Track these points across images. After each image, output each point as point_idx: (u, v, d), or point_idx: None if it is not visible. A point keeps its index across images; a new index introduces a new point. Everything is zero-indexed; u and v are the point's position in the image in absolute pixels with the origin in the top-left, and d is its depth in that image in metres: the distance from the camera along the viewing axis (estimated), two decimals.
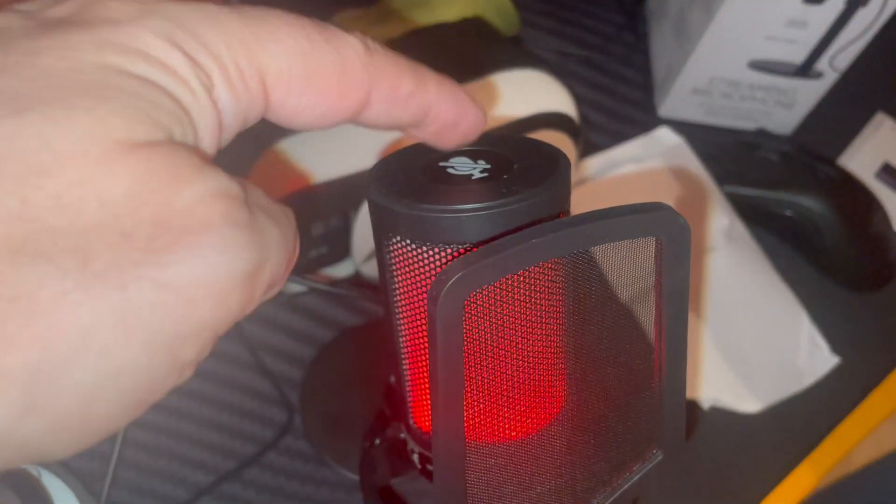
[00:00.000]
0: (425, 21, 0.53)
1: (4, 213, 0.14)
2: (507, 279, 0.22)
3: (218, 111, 0.18)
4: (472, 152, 0.27)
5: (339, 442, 0.48)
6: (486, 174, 0.26)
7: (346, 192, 0.45)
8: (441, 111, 0.23)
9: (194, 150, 0.17)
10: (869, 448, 0.53)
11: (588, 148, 0.60)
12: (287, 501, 0.46)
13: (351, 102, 0.21)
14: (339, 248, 0.49)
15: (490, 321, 0.22)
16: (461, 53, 0.50)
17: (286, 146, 0.44)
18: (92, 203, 0.15)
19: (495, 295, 0.22)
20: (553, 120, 0.49)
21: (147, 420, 0.47)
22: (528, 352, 0.24)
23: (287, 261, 0.19)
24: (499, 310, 0.23)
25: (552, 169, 0.25)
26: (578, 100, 0.54)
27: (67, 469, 0.41)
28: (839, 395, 0.53)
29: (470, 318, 0.22)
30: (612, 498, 0.28)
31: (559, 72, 0.53)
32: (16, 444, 0.15)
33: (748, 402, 0.52)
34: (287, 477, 0.47)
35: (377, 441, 0.33)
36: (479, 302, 0.22)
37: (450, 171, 0.26)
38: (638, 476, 0.28)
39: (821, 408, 0.53)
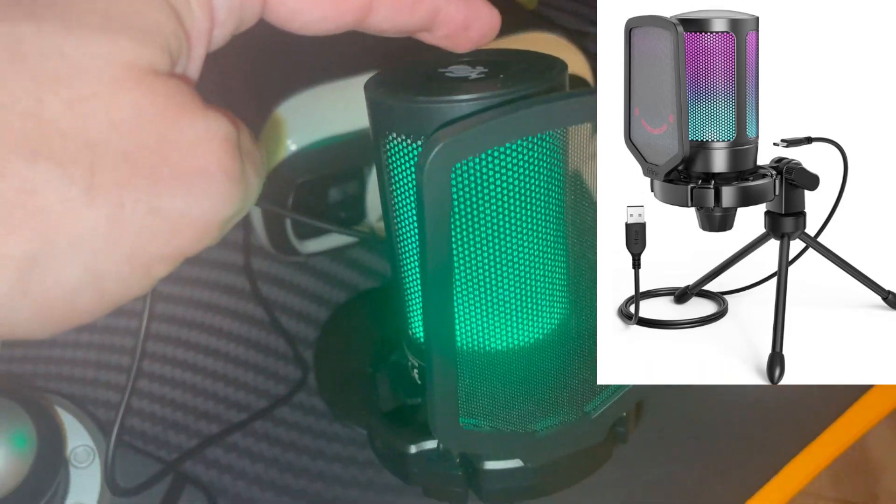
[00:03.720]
0: None
1: (22, 108, 0.15)
2: (496, 151, 0.22)
3: (211, 9, 0.19)
4: (472, 61, 0.27)
5: (353, 399, 0.48)
6: (482, 76, 0.26)
7: (359, 149, 0.46)
8: (451, 14, 0.23)
9: (194, 91, 0.18)
10: (881, 432, 0.52)
11: None
12: (299, 455, 0.46)
13: (352, 5, 0.20)
14: (356, 211, 0.49)
15: (480, 197, 0.22)
16: None
17: (296, 104, 0.45)
18: (101, 119, 0.16)
19: (484, 167, 0.22)
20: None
21: (159, 372, 0.48)
22: (522, 241, 0.24)
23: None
24: (489, 185, 0.23)
25: (548, 68, 0.26)
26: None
27: (82, 407, 0.41)
28: None
29: (458, 189, 0.22)
30: (608, 405, 0.27)
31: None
32: (7, 322, 0.17)
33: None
34: (300, 431, 0.47)
35: (380, 367, 0.34)
36: (467, 173, 0.22)
37: (448, 74, 0.26)
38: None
39: (833, 389, 0.52)
